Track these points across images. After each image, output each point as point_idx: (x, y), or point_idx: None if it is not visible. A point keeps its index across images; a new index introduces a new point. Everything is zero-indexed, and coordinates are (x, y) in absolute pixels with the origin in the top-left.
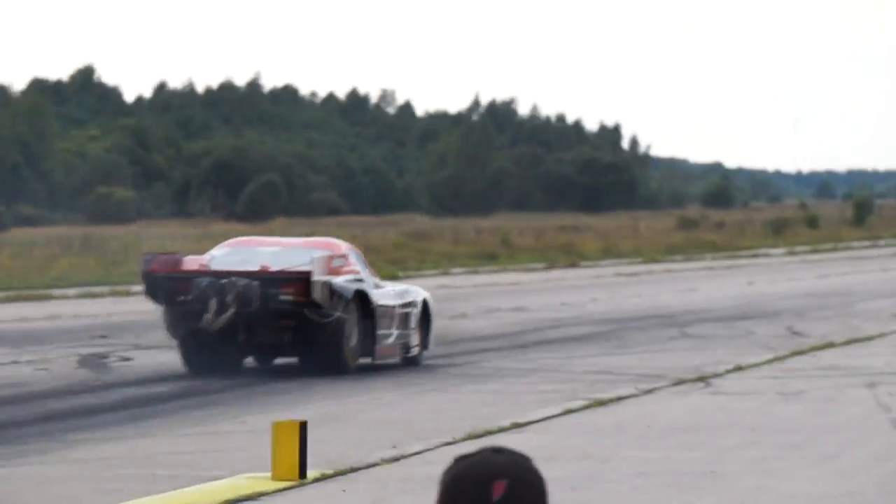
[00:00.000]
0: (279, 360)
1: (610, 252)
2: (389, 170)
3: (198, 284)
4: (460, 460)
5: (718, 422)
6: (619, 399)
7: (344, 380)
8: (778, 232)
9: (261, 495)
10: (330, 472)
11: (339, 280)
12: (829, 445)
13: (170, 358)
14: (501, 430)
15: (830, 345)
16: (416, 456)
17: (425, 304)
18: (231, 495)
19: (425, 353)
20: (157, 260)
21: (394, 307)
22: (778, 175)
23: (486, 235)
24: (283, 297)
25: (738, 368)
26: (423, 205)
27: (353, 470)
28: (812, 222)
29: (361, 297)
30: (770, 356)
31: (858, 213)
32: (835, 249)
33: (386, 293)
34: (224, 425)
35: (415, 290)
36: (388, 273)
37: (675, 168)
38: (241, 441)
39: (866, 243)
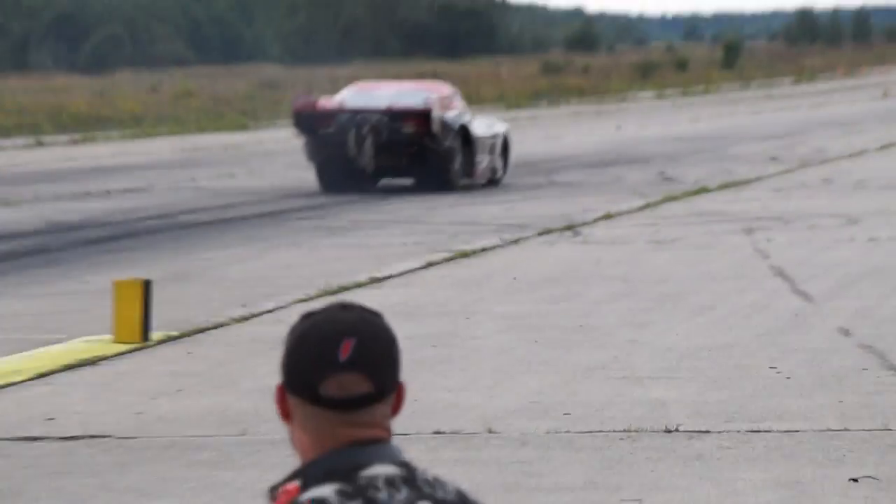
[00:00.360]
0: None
1: (471, 99)
2: (238, 19)
3: (339, 119)
4: (306, 318)
5: (588, 273)
6: (484, 251)
7: (192, 236)
8: (646, 76)
9: (101, 359)
10: (175, 333)
11: (449, 115)
12: (705, 295)
13: (8, 215)
14: (358, 285)
15: (704, 190)
16: (268, 314)
17: (505, 135)
18: (70, 360)
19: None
20: (303, 100)
21: (485, 138)
22: (641, 19)
23: (341, 84)
24: (406, 130)
25: (608, 216)
26: (275, 54)
27: (200, 331)
28: (681, 65)
29: (464, 130)
30: (641, 203)
31: (728, 55)
32: (705, 93)
33: (479, 125)
34: (65, 285)
35: (499, 124)
36: (240, 124)
37: (534, 15)
38: (83, 302)
39: (737, 86)
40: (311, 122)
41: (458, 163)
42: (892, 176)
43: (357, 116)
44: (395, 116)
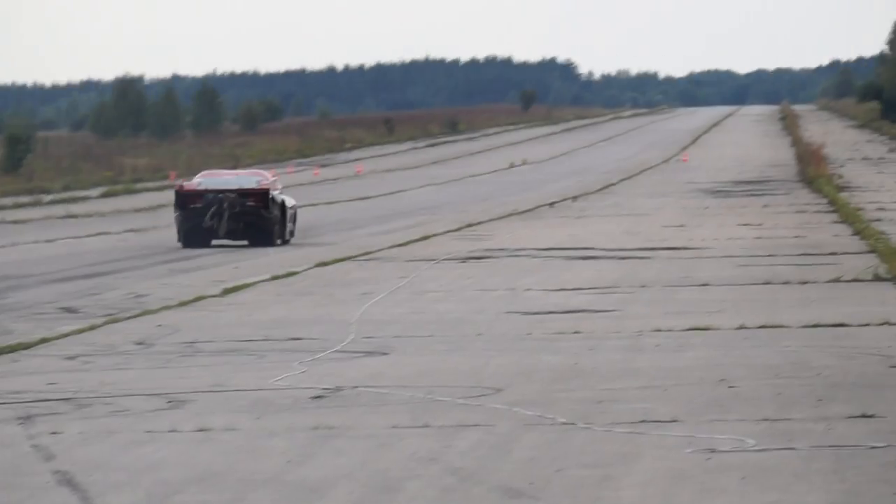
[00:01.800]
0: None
1: None
2: None
3: (206, 197)
4: None
5: None
6: None
7: None
8: None
9: None
10: None
11: (275, 193)
12: None
13: None
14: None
15: None
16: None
17: (294, 207)
18: None
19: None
20: (181, 184)
21: (291, 208)
22: None
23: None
24: (249, 203)
25: None
26: None
27: None
28: None
29: (282, 203)
30: None
31: (12, 153)
32: None
33: (287, 200)
34: None
35: (291, 199)
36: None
37: None
38: None
39: (25, 199)
40: (184, 199)
41: (278, 228)
42: (230, 335)
43: (219, 195)
44: (243, 194)
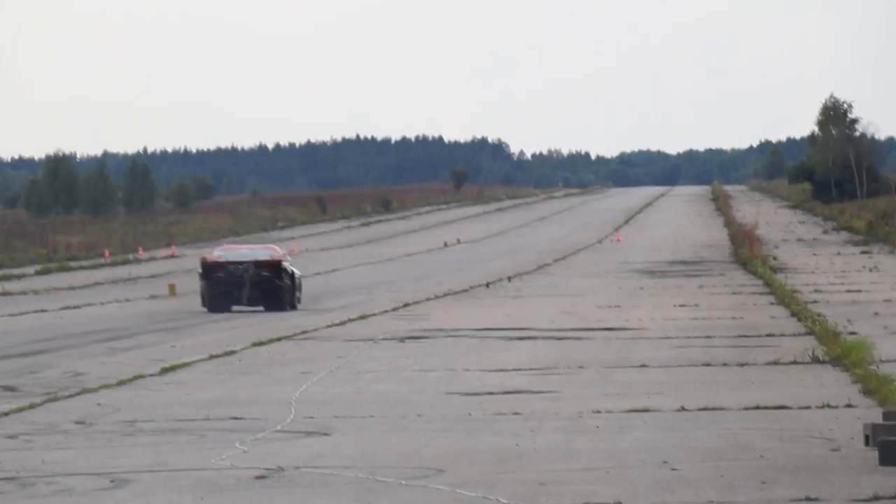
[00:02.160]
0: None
1: None
2: None
3: (228, 268)
4: None
5: None
6: None
7: None
8: None
9: None
10: None
11: (286, 264)
12: None
13: None
14: None
15: None
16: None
17: (300, 277)
18: None
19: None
20: (204, 256)
21: (298, 278)
22: None
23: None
24: (265, 273)
25: None
26: None
27: None
28: None
29: (292, 273)
30: None
31: None
32: None
33: (295, 271)
34: None
35: (297, 270)
36: None
37: None
38: None
39: None
40: (208, 270)
41: (289, 295)
42: (171, 414)
43: (241, 266)
44: (259, 265)
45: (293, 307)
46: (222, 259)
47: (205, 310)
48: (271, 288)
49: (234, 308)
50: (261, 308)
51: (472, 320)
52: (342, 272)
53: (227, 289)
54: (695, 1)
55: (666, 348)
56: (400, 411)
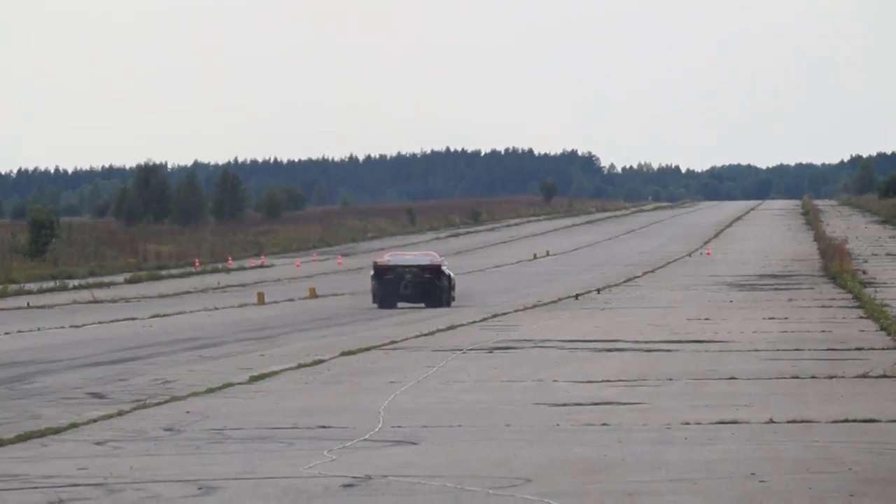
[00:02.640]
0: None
1: None
2: None
3: (396, 270)
4: None
5: None
6: None
7: None
8: None
9: None
10: None
11: (444, 268)
12: None
13: None
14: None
15: None
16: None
17: (454, 278)
18: None
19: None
20: (376, 260)
21: (454, 279)
22: None
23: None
24: (426, 275)
25: None
26: None
27: None
28: None
29: (448, 276)
30: None
31: (36, 238)
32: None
33: (452, 273)
34: None
35: (452, 272)
36: None
37: None
38: None
39: (50, 284)
40: (380, 272)
41: (445, 294)
42: (259, 422)
43: (406, 269)
44: (422, 268)
45: (448, 304)
46: (391, 263)
47: (375, 306)
48: (431, 288)
49: (399, 305)
50: (422, 304)
51: (560, 331)
52: None
53: (394, 288)
54: (787, 15)
55: (755, 361)
56: (488, 421)
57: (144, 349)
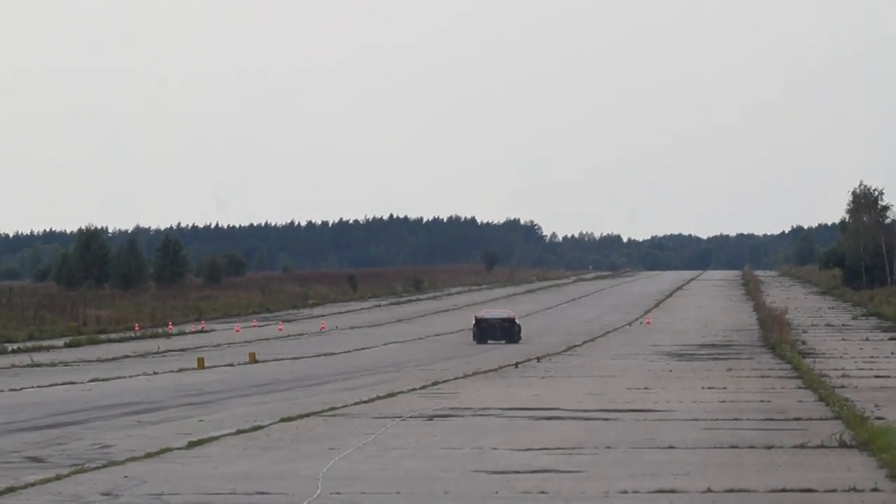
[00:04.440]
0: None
1: None
2: None
3: (489, 320)
4: None
5: None
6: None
7: None
8: None
9: None
10: None
11: (516, 319)
12: None
13: None
14: None
15: None
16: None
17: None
18: None
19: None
20: (475, 315)
21: (521, 326)
22: None
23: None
24: (506, 323)
25: None
26: None
27: None
28: None
29: (519, 325)
30: None
31: None
32: None
33: (520, 323)
34: None
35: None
36: None
37: None
38: None
39: None
40: (479, 322)
41: (517, 334)
42: (197, 488)
43: (495, 319)
44: (504, 319)
45: (518, 341)
46: (486, 317)
47: (474, 343)
48: (510, 330)
49: (490, 342)
50: (503, 340)
51: (500, 400)
52: (371, 350)
53: (488, 330)
54: (726, 88)
55: (693, 430)
56: (427, 488)
57: (83, 413)
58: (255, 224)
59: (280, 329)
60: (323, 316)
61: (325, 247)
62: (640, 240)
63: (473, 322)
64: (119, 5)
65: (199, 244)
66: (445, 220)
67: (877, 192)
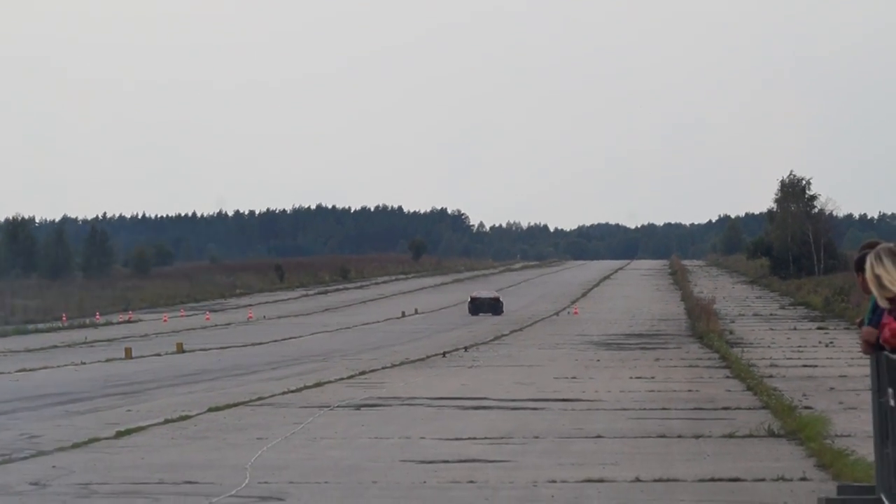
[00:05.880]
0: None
1: None
2: None
3: (481, 298)
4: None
5: None
6: None
7: None
8: None
9: None
10: None
11: (500, 297)
12: None
13: None
14: None
15: None
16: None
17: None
18: None
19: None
20: (471, 295)
21: (503, 303)
22: None
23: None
24: (492, 301)
25: None
26: None
27: None
28: None
29: (502, 301)
30: None
31: None
32: None
33: (503, 301)
34: None
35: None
36: None
37: None
38: None
39: None
40: (473, 299)
41: (501, 309)
42: (125, 477)
43: (486, 298)
44: (492, 298)
45: (502, 314)
46: (478, 295)
47: (468, 314)
48: (496, 306)
49: (480, 314)
50: (490, 313)
51: (427, 389)
52: (299, 340)
53: (480, 306)
54: (657, 77)
55: (622, 420)
56: (355, 478)
57: (10, 404)
58: (182, 214)
59: (207, 319)
60: (250, 305)
61: (253, 237)
62: (568, 229)
63: (469, 300)
64: None
65: (126, 234)
66: (372, 209)
67: (805, 182)
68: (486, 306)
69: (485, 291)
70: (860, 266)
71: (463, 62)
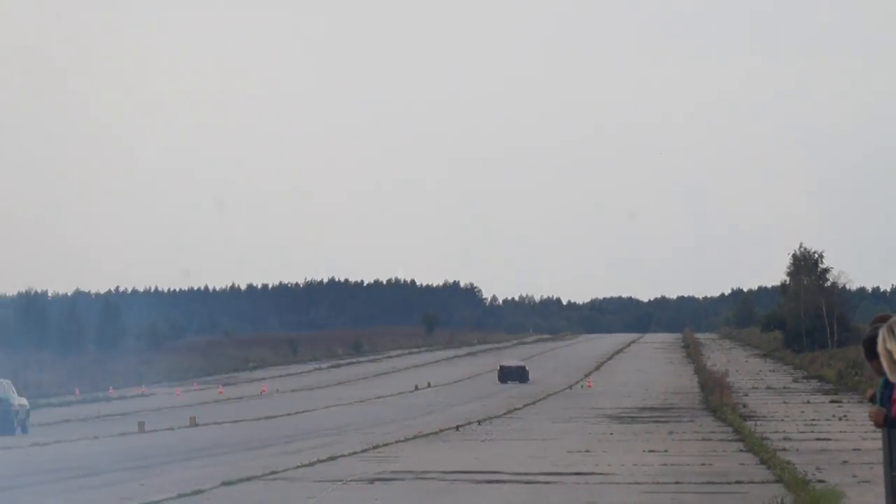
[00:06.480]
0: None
1: None
2: None
3: (509, 367)
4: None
5: None
6: None
7: None
8: None
9: None
10: None
11: (526, 366)
12: None
13: None
14: None
15: None
16: None
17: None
18: None
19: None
20: (500, 364)
21: (528, 369)
22: None
23: None
24: (519, 369)
25: None
26: None
27: None
28: None
29: (527, 370)
30: None
31: None
32: None
33: (528, 368)
34: None
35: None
36: None
37: None
38: None
39: None
40: (503, 368)
41: (527, 377)
42: None
43: (513, 367)
44: (518, 366)
45: (527, 381)
46: (506, 364)
47: (498, 382)
48: (522, 374)
49: (508, 382)
50: (517, 381)
51: (441, 463)
52: (312, 413)
53: (508, 374)
54: (667, 148)
55: (635, 493)
56: None
57: (23, 478)
58: (195, 288)
59: (220, 392)
60: (263, 379)
61: (266, 311)
62: (580, 303)
63: (498, 368)
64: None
65: (139, 309)
66: (385, 283)
67: (817, 255)
68: (514, 374)
69: (513, 361)
70: (870, 349)
71: (474, 135)
